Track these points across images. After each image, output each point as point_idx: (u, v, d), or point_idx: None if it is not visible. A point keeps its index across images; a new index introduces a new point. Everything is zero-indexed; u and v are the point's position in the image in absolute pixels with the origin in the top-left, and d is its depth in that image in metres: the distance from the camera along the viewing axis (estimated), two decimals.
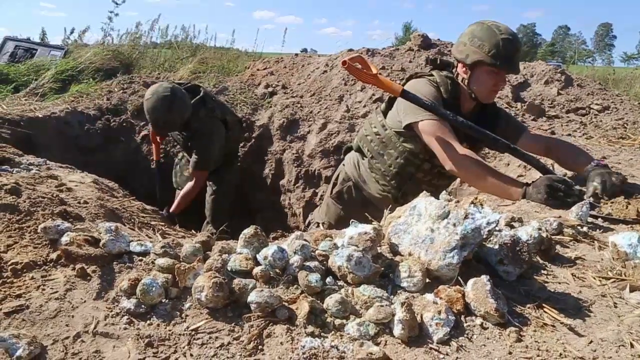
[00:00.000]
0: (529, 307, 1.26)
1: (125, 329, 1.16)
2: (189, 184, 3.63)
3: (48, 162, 2.38)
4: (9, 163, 2.14)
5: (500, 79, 2.09)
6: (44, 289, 1.25)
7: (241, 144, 4.47)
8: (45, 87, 5.01)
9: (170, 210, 3.53)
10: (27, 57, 5.96)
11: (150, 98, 3.19)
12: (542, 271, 1.46)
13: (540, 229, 1.59)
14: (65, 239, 1.39)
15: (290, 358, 1.07)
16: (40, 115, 4.02)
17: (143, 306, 1.21)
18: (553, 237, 1.64)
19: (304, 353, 1.08)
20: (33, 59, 5.82)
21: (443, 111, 2.00)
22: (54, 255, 1.35)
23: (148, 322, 1.18)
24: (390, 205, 1.72)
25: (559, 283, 1.41)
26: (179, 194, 3.67)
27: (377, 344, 1.12)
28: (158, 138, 3.87)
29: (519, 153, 2.00)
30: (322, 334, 1.14)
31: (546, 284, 1.39)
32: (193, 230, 2.45)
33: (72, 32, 7.43)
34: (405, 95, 1.98)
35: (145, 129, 4.48)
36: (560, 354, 1.11)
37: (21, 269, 1.30)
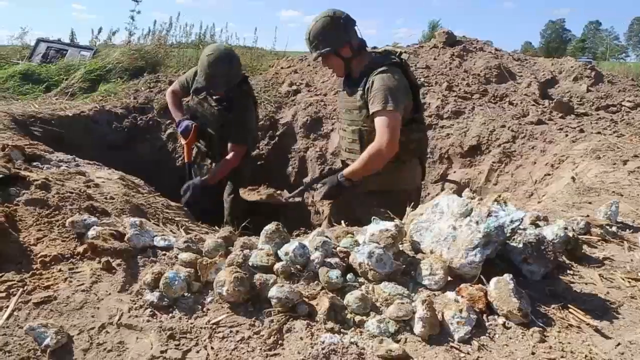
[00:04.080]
0: (553, 308, 1.23)
1: (148, 321, 1.18)
2: (228, 156, 3.40)
3: (77, 159, 2.44)
4: (40, 160, 2.21)
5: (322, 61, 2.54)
6: (71, 281, 1.28)
7: (262, 141, 4.49)
8: (75, 86, 5.15)
9: (207, 180, 3.36)
10: (58, 57, 6.13)
11: (211, 54, 3.30)
12: (568, 271, 1.43)
13: (566, 228, 1.55)
14: (91, 233, 1.43)
15: (310, 353, 1.07)
16: (70, 114, 4.12)
17: (166, 299, 1.23)
18: (580, 236, 1.60)
19: (323, 349, 1.08)
20: (64, 60, 5.97)
21: None
22: (80, 249, 1.39)
23: (170, 315, 1.20)
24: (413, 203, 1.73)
25: (586, 284, 1.37)
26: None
27: (397, 342, 1.12)
28: (187, 140, 3.71)
29: None
30: (341, 330, 1.14)
31: (572, 284, 1.35)
32: (216, 227, 2.47)
33: (99, 32, 7.60)
34: None
35: (171, 128, 4.52)
36: (586, 356, 1.08)
37: (50, 261, 1.34)
